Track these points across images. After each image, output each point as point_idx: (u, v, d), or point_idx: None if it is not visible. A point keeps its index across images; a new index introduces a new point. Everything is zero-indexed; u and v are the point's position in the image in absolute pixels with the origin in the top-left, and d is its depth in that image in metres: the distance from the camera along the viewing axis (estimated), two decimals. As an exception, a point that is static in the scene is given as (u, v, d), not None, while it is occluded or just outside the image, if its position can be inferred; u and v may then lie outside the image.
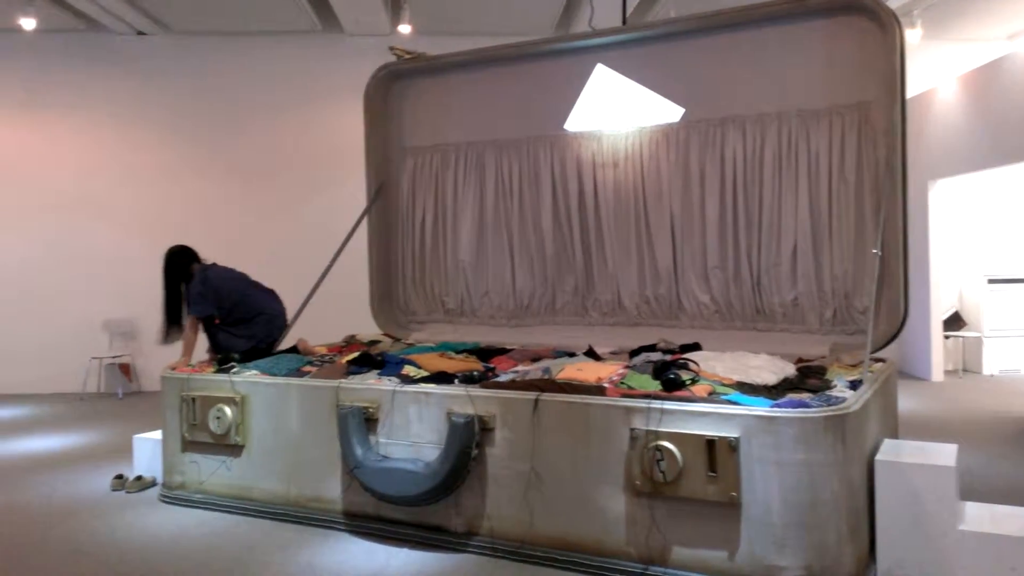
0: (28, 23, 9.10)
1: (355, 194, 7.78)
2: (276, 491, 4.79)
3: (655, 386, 3.97)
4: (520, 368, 5.11)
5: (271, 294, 6.23)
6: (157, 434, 5.53)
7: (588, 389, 3.96)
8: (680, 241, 6.05)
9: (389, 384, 4.57)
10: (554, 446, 3.91)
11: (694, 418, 3.63)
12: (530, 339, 6.56)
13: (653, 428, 3.66)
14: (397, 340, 6.96)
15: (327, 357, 5.73)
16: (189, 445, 5.10)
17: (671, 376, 3.93)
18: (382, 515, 4.38)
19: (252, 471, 4.89)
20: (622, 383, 4.07)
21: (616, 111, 6.33)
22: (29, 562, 4.21)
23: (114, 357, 9.69)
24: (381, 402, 4.44)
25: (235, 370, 5.17)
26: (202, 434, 5.01)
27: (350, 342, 6.65)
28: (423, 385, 4.48)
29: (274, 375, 5.02)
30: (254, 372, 5.09)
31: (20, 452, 6.70)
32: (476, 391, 4.22)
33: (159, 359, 9.97)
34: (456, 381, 4.55)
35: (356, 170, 7.86)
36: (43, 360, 9.70)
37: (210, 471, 5.02)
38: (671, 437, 3.62)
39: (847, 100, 5.28)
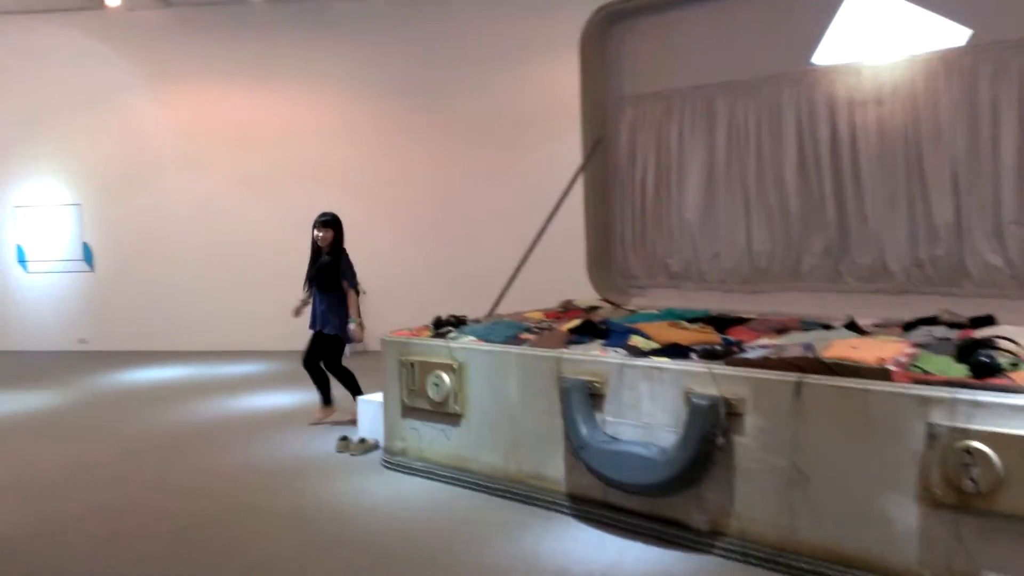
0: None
1: (570, 151, 7.33)
2: (495, 465, 4.50)
3: (960, 371, 3.16)
4: (767, 342, 4.42)
5: None
6: (379, 396, 5.46)
7: (868, 372, 3.23)
8: (964, 191, 5.00)
9: (616, 356, 4.08)
10: (822, 439, 3.23)
11: (1019, 414, 2.81)
12: (768, 307, 5.80)
13: (960, 425, 2.88)
14: (617, 306, 6.46)
15: (545, 323, 5.35)
16: (409, 411, 4.95)
17: (983, 359, 3.10)
18: (611, 502, 3.93)
19: (471, 442, 4.63)
20: (913, 366, 3.28)
21: (880, 37, 5.33)
22: (255, 523, 4.22)
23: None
24: (607, 376, 3.97)
25: (452, 335, 4.93)
26: (421, 400, 4.83)
27: (567, 308, 6.24)
28: (655, 359, 3.94)
29: (492, 342, 4.71)
30: (471, 338, 4.82)
31: (255, 408, 7.01)
32: (721, 369, 3.62)
33: (387, 320, 10.34)
34: (693, 356, 3.97)
35: (571, 126, 7.41)
36: (281, 319, 10.22)
37: (430, 439, 4.84)
38: (986, 437, 2.83)
39: None
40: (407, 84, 10.02)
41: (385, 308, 9.96)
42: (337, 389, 6.30)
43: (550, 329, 4.96)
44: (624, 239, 6.84)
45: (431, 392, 4.73)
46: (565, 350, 4.30)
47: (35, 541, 4.04)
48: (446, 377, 4.67)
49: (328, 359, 6.19)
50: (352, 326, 6.04)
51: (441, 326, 5.18)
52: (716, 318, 5.39)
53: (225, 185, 10.45)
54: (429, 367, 4.77)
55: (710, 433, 3.50)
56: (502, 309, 6.17)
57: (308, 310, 6.30)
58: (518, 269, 6.33)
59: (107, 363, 9.73)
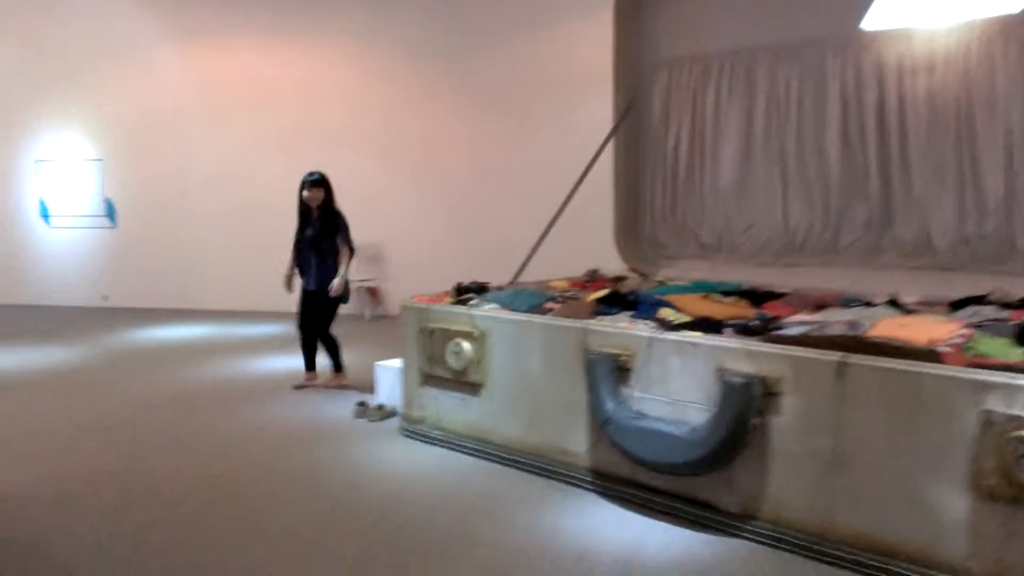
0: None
1: (600, 116, 7.08)
2: (516, 436, 4.36)
3: (1020, 355, 2.95)
4: (806, 318, 4.21)
5: None
6: (398, 362, 5.33)
7: (917, 353, 3.03)
8: (1018, 166, 4.73)
9: (645, 329, 3.90)
10: (865, 423, 3.04)
11: (1084, 404, 2.60)
12: (804, 282, 5.57)
13: (1018, 413, 2.68)
14: (645, 276, 6.27)
15: (570, 292, 5.18)
16: (428, 379, 4.82)
17: (1046, 343, 2.88)
18: (637, 480, 3.77)
19: (491, 413, 4.49)
20: (968, 348, 3.08)
21: (933, 0, 5.03)
22: (268, 489, 4.12)
23: (362, 280, 9.94)
24: (636, 349, 3.79)
25: (473, 302, 4.77)
26: (440, 368, 4.68)
27: (593, 277, 6.06)
28: (687, 333, 3.76)
29: (515, 310, 4.54)
30: (494, 306, 4.65)
31: (272, 370, 6.92)
32: (758, 345, 3.43)
33: (406, 284, 10.21)
34: (727, 331, 3.78)
35: (602, 90, 7.16)
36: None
37: (449, 408, 4.71)
38: (1047, 427, 2.63)
39: None
40: (433, 44, 9.75)
41: (405, 273, 9.84)
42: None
43: (575, 299, 4.79)
44: (654, 208, 6.61)
45: (451, 360, 4.59)
46: (591, 321, 4.12)
47: (45, 501, 3.96)
48: (467, 345, 4.52)
49: (323, 321, 6.08)
50: (336, 281, 5.90)
51: (463, 293, 5.02)
52: (750, 292, 5.20)
53: (247, 143, 10.31)
54: (449, 335, 4.61)
55: (745, 413, 3.32)
56: (526, 277, 6.00)
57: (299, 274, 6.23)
58: (543, 236, 6.14)
59: (128, 320, 9.71)
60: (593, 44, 7.27)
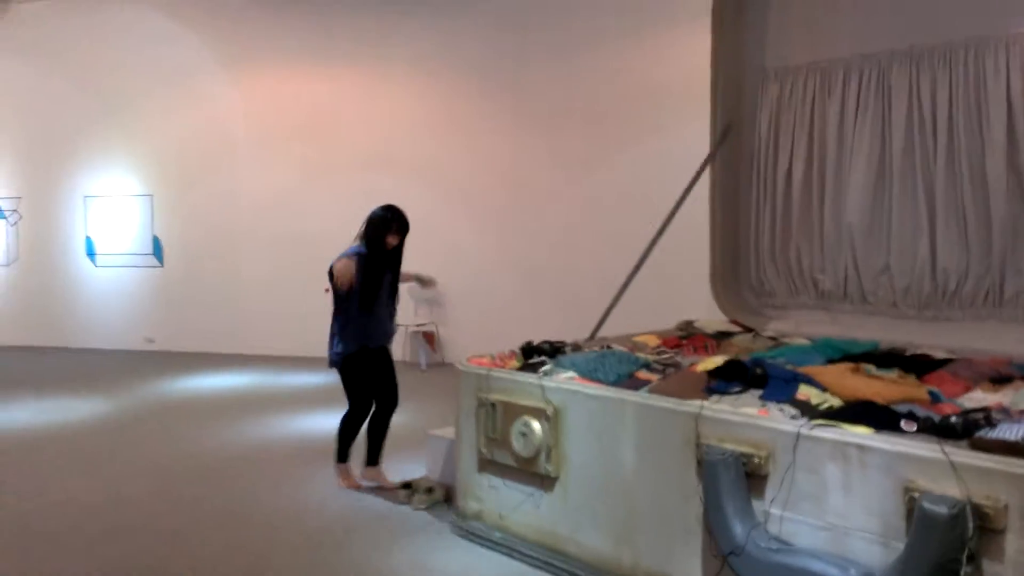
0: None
1: (692, 139, 6.09)
2: (601, 551, 3.31)
3: None
4: (998, 401, 3.09)
5: None
6: (450, 432, 4.37)
7: None
8: None
9: (784, 419, 2.83)
10: None
11: None
12: (956, 341, 4.42)
13: None
14: (749, 331, 5.19)
15: (667, 355, 4.13)
16: (488, 465, 3.82)
17: None
18: (776, 636, 2.69)
19: (568, 515, 3.46)
20: None
21: None
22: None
23: (418, 325, 9.06)
24: (773, 449, 2.73)
25: (545, 368, 3.77)
26: (504, 453, 3.69)
27: (689, 332, 5.00)
28: (851, 429, 2.67)
29: (598, 381, 3.53)
30: (571, 374, 3.65)
31: (312, 433, 6.04)
32: (965, 455, 2.33)
33: (466, 330, 9.35)
34: (905, 424, 2.68)
35: (694, 108, 6.16)
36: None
37: (514, 504, 3.70)
38: None
39: None
40: (498, 66, 8.87)
41: (461, 322, 8.93)
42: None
43: (676, 367, 3.74)
44: (760, 247, 5.52)
45: (517, 444, 3.59)
46: (705, 402, 3.07)
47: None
48: (537, 425, 3.51)
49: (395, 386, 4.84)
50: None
51: (532, 355, 4.03)
52: (894, 356, 4.07)
53: (297, 174, 9.61)
54: (516, 410, 3.62)
55: (949, 558, 2.22)
56: (606, 331, 5.00)
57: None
58: (628, 281, 5.13)
59: (170, 367, 9.03)
60: (686, 54, 6.33)
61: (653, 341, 4.76)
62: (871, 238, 4.97)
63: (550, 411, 3.49)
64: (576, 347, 4.33)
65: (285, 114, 9.66)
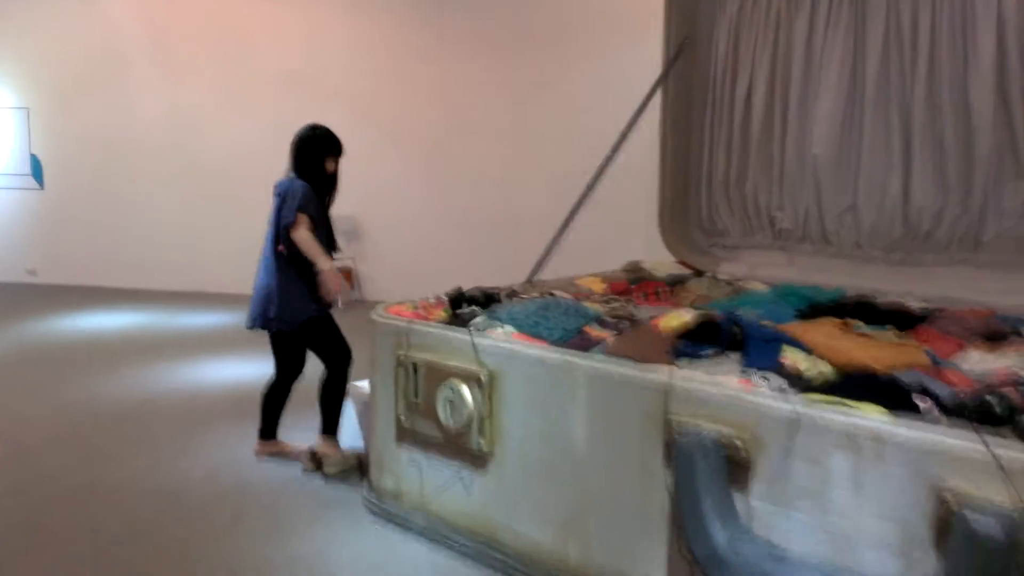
0: None
1: (643, 61, 5.45)
2: (542, 543, 2.79)
3: None
4: (1005, 365, 2.65)
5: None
6: (364, 385, 3.74)
7: None
8: None
9: (775, 395, 2.31)
10: None
11: None
12: (926, 287, 4.06)
13: None
14: (700, 273, 4.69)
15: (616, 305, 3.58)
16: (408, 435, 3.23)
17: None
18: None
19: (504, 500, 2.91)
20: None
21: None
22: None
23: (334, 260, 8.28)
24: (761, 433, 2.21)
25: (477, 321, 3.16)
26: (427, 423, 3.09)
27: (637, 275, 4.46)
28: (861, 410, 2.15)
29: (542, 339, 2.95)
30: (508, 329, 3.05)
31: (208, 384, 5.32)
32: (1014, 449, 1.85)
33: (388, 270, 8.61)
34: (924, 407, 2.18)
35: (644, 25, 5.53)
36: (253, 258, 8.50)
37: (439, 484, 3.13)
38: None
39: None
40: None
41: (384, 263, 8.21)
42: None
43: (631, 320, 3.18)
44: (713, 181, 5.00)
45: (443, 413, 3.00)
46: (676, 370, 2.52)
47: None
48: (467, 392, 2.92)
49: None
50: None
51: (461, 304, 3.40)
52: (869, 307, 3.62)
53: (202, 94, 8.55)
54: (442, 372, 3.02)
55: (993, 578, 1.76)
56: (546, 274, 4.41)
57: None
58: (569, 219, 4.53)
59: (52, 302, 8.05)
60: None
61: (598, 285, 4.21)
62: (838, 173, 4.48)
63: (484, 375, 2.89)
64: (513, 294, 3.73)
65: (190, 24, 8.51)
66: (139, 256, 8.81)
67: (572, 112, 7.15)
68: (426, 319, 3.28)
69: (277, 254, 3.70)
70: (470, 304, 3.38)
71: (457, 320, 3.23)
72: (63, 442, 4.21)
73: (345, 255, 8.34)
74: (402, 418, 3.19)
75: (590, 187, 4.56)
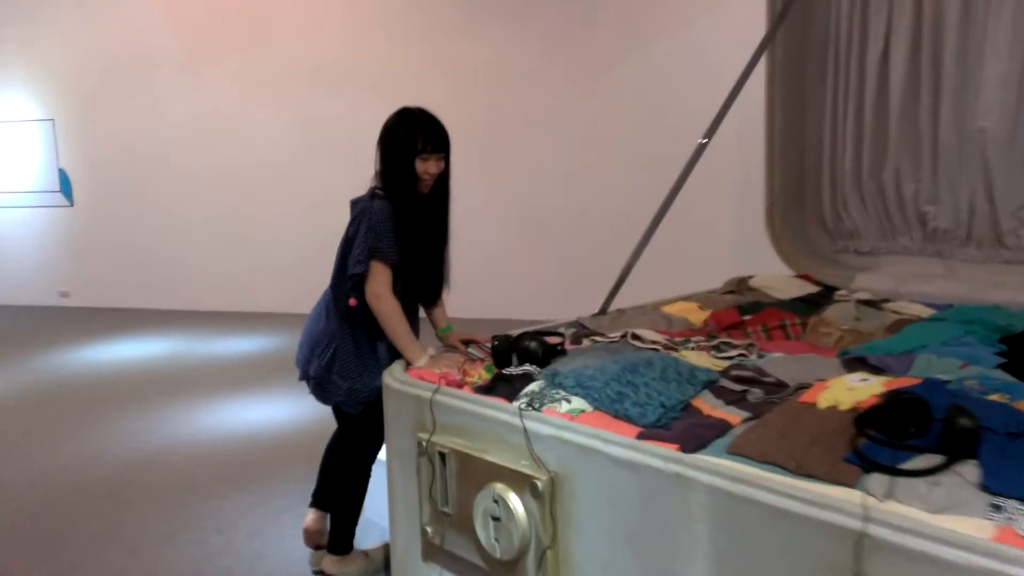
0: None
1: (737, 22, 4.37)
2: None
3: None
4: None
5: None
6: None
7: None
8: None
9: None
10: None
11: None
12: None
13: None
14: (829, 291, 3.59)
15: (735, 352, 2.52)
16: (437, 554, 2.25)
17: None
18: None
19: (577, 666, 1.90)
20: None
21: None
22: None
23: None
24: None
25: (532, 389, 2.15)
26: (463, 542, 2.11)
27: (752, 302, 3.38)
28: None
29: (633, 421, 1.92)
30: (579, 405, 2.03)
31: (229, 430, 4.50)
32: None
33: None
34: None
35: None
36: (303, 273, 7.60)
37: (479, 626, 2.14)
38: None
39: None
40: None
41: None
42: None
43: (763, 384, 2.12)
44: (838, 169, 3.88)
45: (484, 532, 2.01)
46: (868, 498, 1.47)
47: None
48: (518, 504, 1.93)
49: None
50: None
51: (511, 358, 2.40)
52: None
53: (234, 92, 7.79)
54: (481, 471, 2.03)
55: None
56: (625, 298, 3.38)
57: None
58: (653, 225, 3.48)
59: (82, 328, 7.43)
60: None
61: (696, 314, 3.16)
62: (1012, 153, 3.33)
63: (542, 480, 1.89)
64: (581, 336, 2.72)
65: (216, 18, 7.76)
66: (172, 274, 8.14)
67: (655, 94, 6.07)
68: (458, 384, 2.29)
69: (345, 304, 2.59)
70: (522, 358, 2.37)
71: (503, 384, 2.24)
72: (64, 511, 3.40)
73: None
74: (428, 529, 2.22)
75: (679, 183, 3.50)
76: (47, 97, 8.32)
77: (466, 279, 6.61)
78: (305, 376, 2.72)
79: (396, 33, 7.28)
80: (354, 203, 2.66)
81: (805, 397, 1.92)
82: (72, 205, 8.42)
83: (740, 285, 3.59)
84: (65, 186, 8.38)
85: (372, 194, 2.60)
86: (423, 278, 2.68)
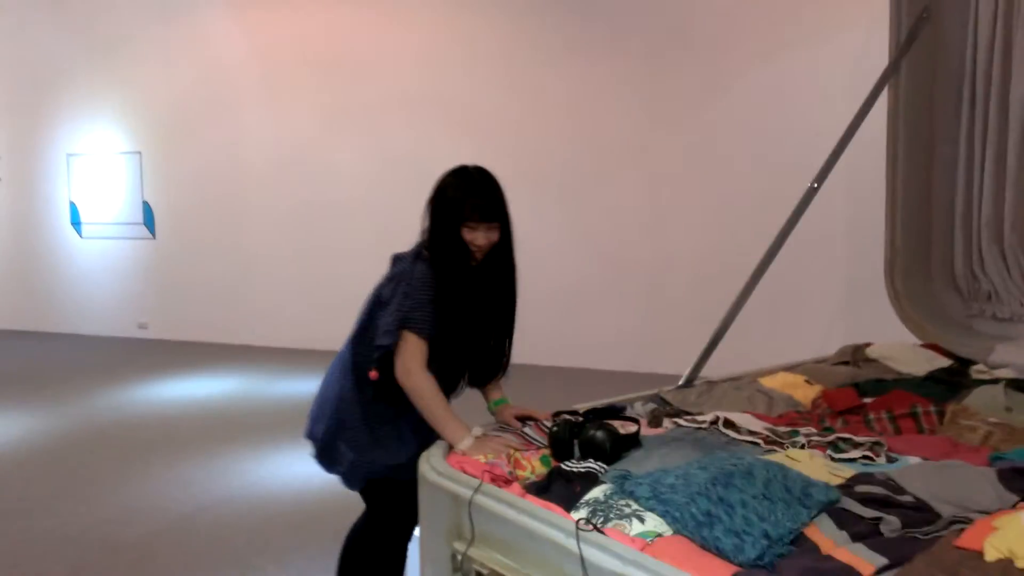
0: None
1: (855, 50, 3.88)
2: None
3: None
4: None
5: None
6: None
7: None
8: None
9: None
10: None
11: None
12: None
13: None
14: (964, 364, 3.00)
15: (852, 449, 2.00)
16: None
17: None
18: None
19: None
20: None
21: None
22: None
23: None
24: None
25: (595, 496, 1.70)
26: None
27: (876, 380, 2.83)
28: None
29: (725, 555, 1.45)
30: (655, 526, 1.57)
31: (282, 489, 4.17)
32: None
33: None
34: None
35: (848, 9, 3.96)
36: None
37: None
38: None
39: None
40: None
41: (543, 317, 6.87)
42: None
43: (895, 505, 1.61)
44: (973, 219, 3.31)
45: None
46: None
47: None
48: (573, 655, 1.47)
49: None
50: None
51: (570, 449, 1.96)
52: None
53: (314, 126, 7.68)
54: (525, 603, 1.59)
55: None
56: (718, 364, 2.89)
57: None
58: (754, 281, 2.99)
59: (155, 362, 7.35)
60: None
61: (802, 389, 2.66)
62: None
63: (604, 628, 1.44)
64: (662, 412, 2.26)
65: (298, 54, 7.70)
66: (248, 309, 8.04)
67: (743, 129, 5.58)
68: (506, 480, 1.87)
69: (365, 372, 2.20)
70: (586, 450, 1.93)
71: (560, 483, 1.80)
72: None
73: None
74: (463, 664, 1.79)
75: (785, 233, 3.01)
76: (136, 130, 8.43)
77: (538, 322, 6.19)
78: (310, 435, 2.34)
79: (478, 65, 7.02)
80: (396, 259, 2.29)
81: (965, 541, 1.41)
82: (154, 237, 8.47)
83: (856, 355, 3.05)
84: (149, 218, 8.44)
85: (417, 253, 2.22)
86: (468, 362, 2.26)
